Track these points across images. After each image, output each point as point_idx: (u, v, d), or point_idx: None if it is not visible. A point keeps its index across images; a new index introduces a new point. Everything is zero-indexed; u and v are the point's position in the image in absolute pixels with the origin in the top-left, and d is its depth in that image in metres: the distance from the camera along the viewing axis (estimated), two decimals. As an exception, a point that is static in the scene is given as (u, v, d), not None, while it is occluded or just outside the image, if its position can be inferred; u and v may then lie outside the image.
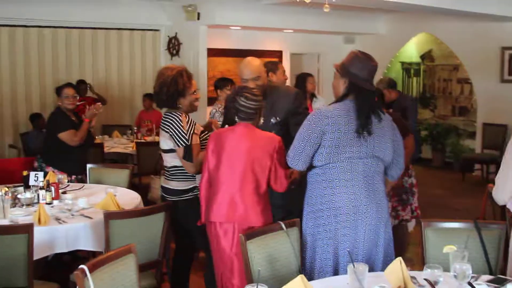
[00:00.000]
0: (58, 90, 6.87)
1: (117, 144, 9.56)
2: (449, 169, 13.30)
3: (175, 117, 4.90)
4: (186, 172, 4.94)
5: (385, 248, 4.16)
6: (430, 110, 14.28)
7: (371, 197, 4.05)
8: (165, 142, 4.97)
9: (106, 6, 11.17)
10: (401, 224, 6.56)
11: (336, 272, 4.02)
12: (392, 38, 13.89)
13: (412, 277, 3.45)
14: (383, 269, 3.69)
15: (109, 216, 4.57)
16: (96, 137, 9.77)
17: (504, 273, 4.04)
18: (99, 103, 7.05)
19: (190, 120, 4.92)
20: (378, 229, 4.09)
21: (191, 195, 4.97)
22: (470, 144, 13.13)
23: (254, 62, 5.40)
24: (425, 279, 3.32)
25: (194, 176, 4.94)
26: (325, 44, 14.33)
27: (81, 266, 3.14)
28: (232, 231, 4.47)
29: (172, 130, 4.86)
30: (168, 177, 5.04)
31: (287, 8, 11.73)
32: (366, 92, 4.06)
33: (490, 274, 3.90)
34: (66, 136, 6.57)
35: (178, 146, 4.84)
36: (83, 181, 6.55)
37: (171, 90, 4.89)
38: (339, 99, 4.12)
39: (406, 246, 6.73)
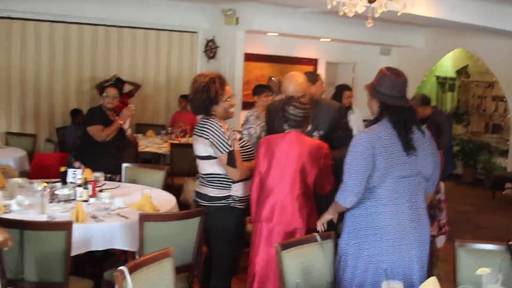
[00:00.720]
0: (101, 88, 6.95)
1: (151, 143, 9.65)
2: (480, 186, 13.23)
3: (215, 124, 4.79)
4: (223, 180, 4.84)
5: (423, 265, 4.16)
6: (463, 126, 14.24)
7: (415, 215, 4.04)
8: (204, 149, 4.84)
9: (146, 6, 11.26)
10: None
11: None
12: (429, 52, 13.86)
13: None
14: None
15: (145, 218, 4.62)
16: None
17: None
18: (131, 105, 7.09)
19: (228, 126, 4.88)
20: (420, 247, 4.08)
21: (224, 203, 4.85)
22: (502, 162, 13.07)
23: (299, 80, 5.43)
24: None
25: (231, 185, 4.83)
26: (361, 54, 14.33)
27: (121, 267, 3.20)
28: (278, 232, 4.75)
29: (213, 137, 4.74)
30: (204, 183, 4.95)
31: (325, 17, 11.76)
32: (400, 110, 4.01)
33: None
34: (93, 130, 6.67)
35: (221, 152, 4.73)
36: (115, 181, 6.61)
37: (203, 97, 4.82)
38: (375, 120, 4.11)
39: (435, 261, 6.71)
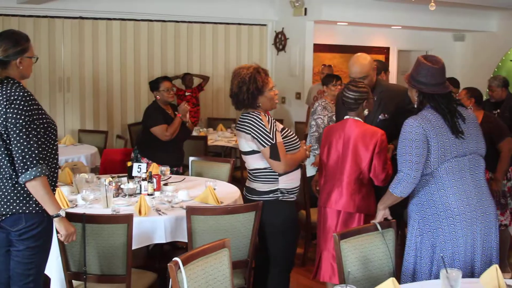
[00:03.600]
0: (155, 84, 7.00)
1: (220, 137, 9.69)
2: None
3: (255, 117, 4.69)
4: (269, 174, 4.74)
5: (487, 251, 4.08)
6: (543, 111, 13.81)
7: (480, 194, 4.04)
8: (247, 144, 4.75)
9: (214, 1, 11.33)
10: (501, 229, 6.38)
11: None
12: (504, 36, 13.44)
13: (509, 286, 3.36)
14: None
15: (191, 211, 4.60)
16: (201, 129, 9.97)
17: None
18: (187, 98, 7.12)
19: (269, 118, 4.77)
20: (491, 228, 4.06)
21: (273, 197, 4.75)
22: None
23: (363, 61, 5.42)
24: (519, 288, 3.24)
25: (277, 178, 4.73)
26: (434, 41, 14.04)
27: (175, 258, 3.21)
28: (337, 215, 4.95)
29: (254, 131, 4.65)
30: (251, 178, 4.88)
31: (395, 4, 11.60)
32: (439, 96, 4.09)
33: None
34: (157, 130, 6.72)
35: (264, 146, 4.63)
36: (178, 173, 6.68)
37: (251, 88, 4.68)
38: (418, 110, 4.16)
39: (507, 251, 6.53)
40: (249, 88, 4.69)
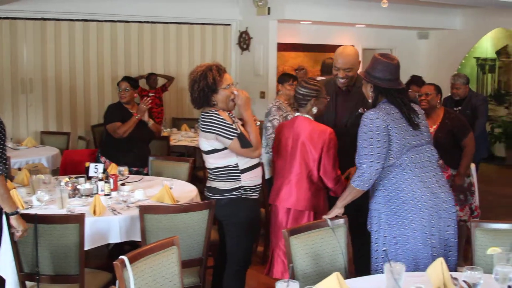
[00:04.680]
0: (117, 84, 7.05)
1: (184, 137, 9.67)
2: (524, 168, 13.00)
3: (214, 115, 4.63)
4: (231, 172, 4.70)
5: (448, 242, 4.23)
6: (505, 107, 13.97)
7: (439, 181, 4.21)
8: (207, 143, 4.69)
9: (178, 1, 11.31)
10: (460, 225, 6.45)
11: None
12: (467, 33, 13.58)
13: (454, 278, 3.40)
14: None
15: (144, 210, 4.60)
16: (164, 130, 9.94)
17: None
18: (147, 98, 7.11)
19: (227, 114, 4.73)
20: (452, 214, 4.23)
21: (236, 195, 4.72)
22: (546, 143, 12.82)
23: (349, 52, 5.40)
24: (464, 281, 3.27)
25: (240, 176, 4.71)
26: (398, 39, 14.14)
27: (121, 256, 3.21)
28: (287, 212, 4.97)
29: (217, 128, 4.59)
30: (213, 178, 4.80)
31: (359, 3, 11.67)
32: (395, 91, 4.21)
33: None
34: (110, 127, 6.74)
35: (231, 139, 4.58)
36: (142, 173, 6.67)
37: (201, 85, 4.66)
38: (373, 105, 4.28)
39: (463, 246, 6.59)
40: (200, 86, 4.66)
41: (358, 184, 4.13)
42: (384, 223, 4.16)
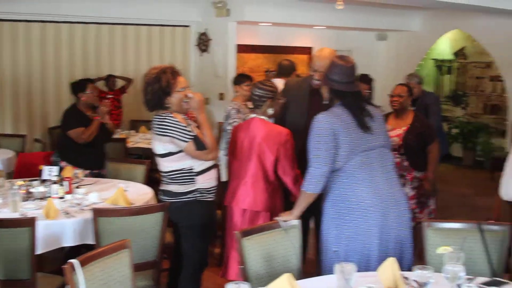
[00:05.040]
0: (80, 86, 6.93)
1: (141, 139, 9.60)
2: (479, 167, 13.13)
3: (168, 117, 4.60)
4: (186, 174, 4.68)
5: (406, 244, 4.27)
6: (462, 108, 14.14)
7: (391, 185, 4.20)
8: (162, 147, 4.65)
9: (137, 2, 11.23)
10: (418, 226, 6.53)
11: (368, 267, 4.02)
12: (425, 35, 13.69)
13: (405, 278, 3.43)
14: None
15: (98, 213, 4.56)
16: (121, 132, 9.88)
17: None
18: (107, 101, 7.07)
19: (182, 116, 4.71)
20: (404, 216, 4.24)
21: (191, 197, 4.70)
22: (501, 142, 12.95)
23: (326, 55, 5.28)
24: (414, 280, 3.30)
25: (195, 178, 4.69)
26: (357, 40, 14.18)
27: (71, 260, 3.18)
28: (243, 213, 5.01)
29: (171, 131, 4.55)
30: (167, 181, 4.78)
31: (318, 5, 11.70)
32: (349, 94, 4.25)
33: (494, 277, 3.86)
34: (73, 134, 6.66)
35: (186, 141, 4.55)
36: (101, 176, 6.63)
37: (155, 88, 4.64)
38: (329, 106, 4.32)
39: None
40: (153, 89, 4.64)
41: (307, 187, 4.14)
42: (332, 225, 4.18)
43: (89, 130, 6.66)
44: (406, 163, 6.44)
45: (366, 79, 8.08)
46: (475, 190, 11.08)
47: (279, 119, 5.41)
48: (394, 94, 6.57)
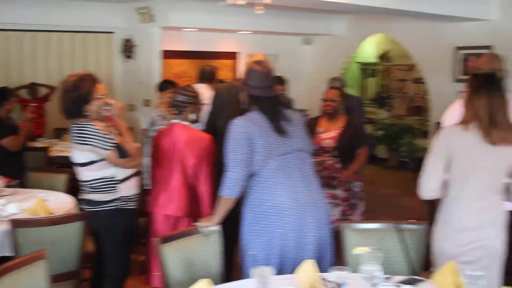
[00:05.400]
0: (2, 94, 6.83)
1: (63, 148, 9.43)
2: (404, 168, 13.38)
3: (88, 125, 4.53)
4: (108, 183, 4.62)
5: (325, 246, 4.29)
6: (387, 110, 14.37)
7: (309, 188, 4.21)
8: (83, 155, 4.56)
9: (60, 9, 11.05)
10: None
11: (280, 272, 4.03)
12: (350, 39, 13.84)
13: (323, 279, 3.46)
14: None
15: (16, 224, 4.46)
16: (44, 141, 9.72)
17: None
18: (30, 107, 6.98)
19: (102, 124, 4.65)
20: (322, 220, 4.24)
21: (113, 206, 4.64)
22: (424, 143, 13.19)
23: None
24: (332, 281, 3.33)
25: (116, 187, 4.64)
26: (283, 45, 14.24)
27: (-20, 273, 3.11)
28: (166, 219, 4.98)
29: (92, 139, 4.49)
30: (89, 190, 4.68)
31: (243, 9, 11.67)
32: (265, 99, 4.28)
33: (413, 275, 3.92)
34: (8, 142, 6.54)
35: (108, 149, 4.50)
36: (22, 185, 6.49)
37: (74, 95, 4.55)
38: (247, 111, 4.31)
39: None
40: (72, 97, 4.57)
41: (224, 191, 4.14)
42: (249, 230, 4.18)
43: (20, 137, 6.67)
44: (338, 165, 6.53)
45: (280, 80, 8.15)
46: (400, 190, 11.26)
47: (210, 125, 5.42)
48: (328, 98, 6.66)
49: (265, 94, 4.27)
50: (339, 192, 6.51)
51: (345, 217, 6.50)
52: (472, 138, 3.87)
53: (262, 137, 4.10)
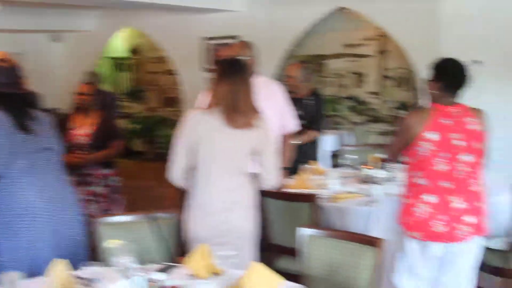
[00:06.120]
0: None
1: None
2: (161, 159, 13.44)
3: None
4: None
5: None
6: (141, 103, 14.44)
7: (61, 186, 4.23)
8: None
9: None
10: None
11: None
12: (99, 34, 13.66)
13: (77, 277, 3.41)
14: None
15: None
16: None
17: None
18: None
19: None
20: (75, 217, 4.27)
21: None
22: (179, 133, 13.40)
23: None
24: (85, 278, 3.32)
25: None
26: (29, 43, 13.76)
27: None
28: None
29: None
30: None
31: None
32: (11, 96, 4.15)
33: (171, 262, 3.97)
34: None
35: None
36: None
37: None
38: None
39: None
40: None
41: None
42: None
43: None
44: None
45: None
46: (158, 181, 11.24)
47: None
48: (80, 92, 6.57)
49: (14, 90, 4.14)
50: (98, 189, 6.49)
51: (106, 213, 6.46)
52: (216, 122, 4.01)
53: (6, 136, 3.96)
